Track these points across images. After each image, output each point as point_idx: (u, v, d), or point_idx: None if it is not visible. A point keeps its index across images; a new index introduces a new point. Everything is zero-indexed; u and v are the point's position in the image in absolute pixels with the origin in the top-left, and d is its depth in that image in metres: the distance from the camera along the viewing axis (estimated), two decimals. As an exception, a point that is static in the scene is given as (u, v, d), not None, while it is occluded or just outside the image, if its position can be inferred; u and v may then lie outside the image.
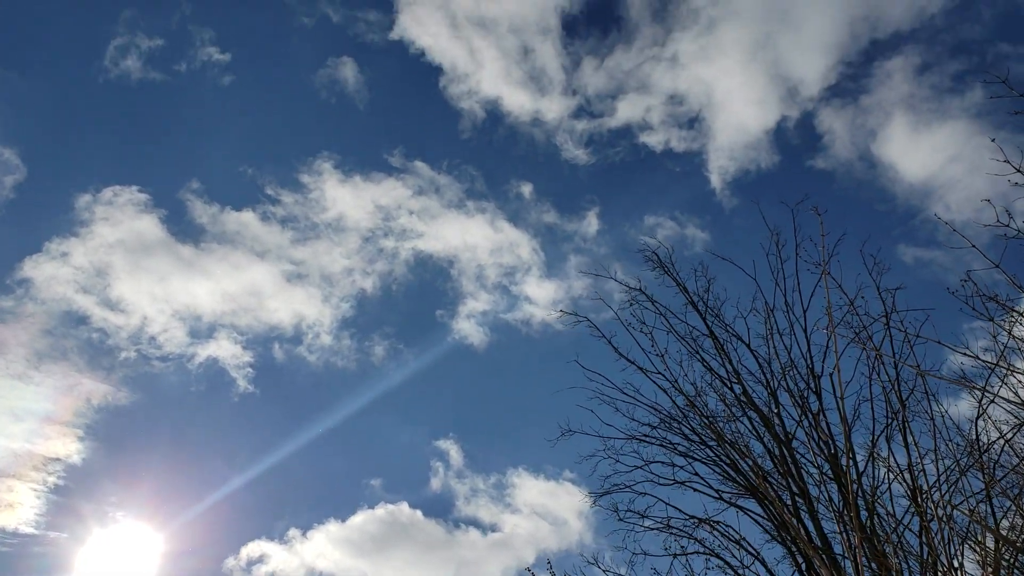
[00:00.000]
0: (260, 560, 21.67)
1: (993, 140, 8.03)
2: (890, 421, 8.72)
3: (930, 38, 27.02)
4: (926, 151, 26.31)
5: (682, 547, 9.26)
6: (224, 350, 27.23)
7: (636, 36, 29.43)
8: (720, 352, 9.59)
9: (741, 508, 9.25)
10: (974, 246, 7.63)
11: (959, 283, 8.15)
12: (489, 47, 29.50)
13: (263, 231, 29.06)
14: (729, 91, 28.69)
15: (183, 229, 28.61)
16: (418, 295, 30.66)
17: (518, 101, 30.00)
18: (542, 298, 29.12)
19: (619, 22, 30.01)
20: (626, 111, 29.48)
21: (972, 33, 26.65)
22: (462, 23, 29.18)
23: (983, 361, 7.48)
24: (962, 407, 11.97)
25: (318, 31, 30.05)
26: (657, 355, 9.82)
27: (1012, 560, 7.56)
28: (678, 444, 9.71)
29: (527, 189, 30.27)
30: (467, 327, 28.87)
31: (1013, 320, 7.83)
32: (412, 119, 32.98)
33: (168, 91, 28.66)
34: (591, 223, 29.81)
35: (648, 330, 9.98)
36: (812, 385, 9.14)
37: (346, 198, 29.77)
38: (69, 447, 24.37)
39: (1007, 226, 7.69)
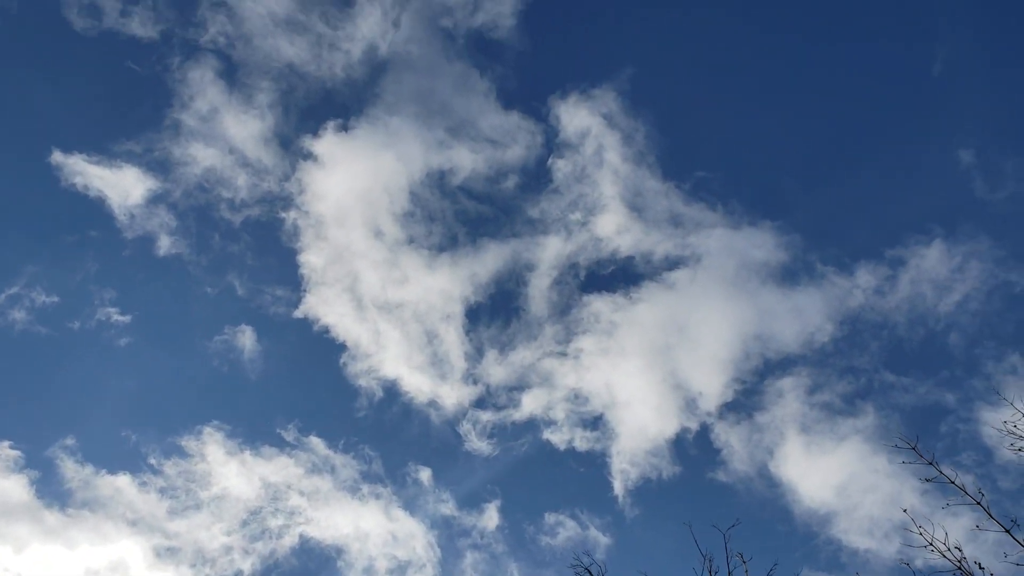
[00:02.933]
0: None
1: (905, 511, 8.91)
2: None
3: (820, 361, 29.49)
4: (822, 473, 27.38)
5: None
6: (75, 636, 23.84)
7: (538, 332, 31.09)
8: None
9: None
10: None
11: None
12: (393, 330, 30.44)
13: (138, 499, 27.40)
14: (631, 396, 29.99)
15: (52, 491, 26.85)
16: (299, 585, 27.91)
17: (417, 384, 30.40)
18: (435, 601, 26.59)
19: (521, 316, 31.72)
20: (530, 405, 30.15)
21: (860, 362, 29.33)
22: (368, 306, 30.35)
23: None
24: None
25: (221, 299, 30.71)
26: None
27: None
28: None
29: (426, 475, 29.55)
30: (349, 628, 26.24)
31: None
32: (309, 393, 32.93)
33: (56, 347, 28.61)
34: (491, 517, 28.95)
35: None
36: None
37: (232, 472, 28.51)
38: None
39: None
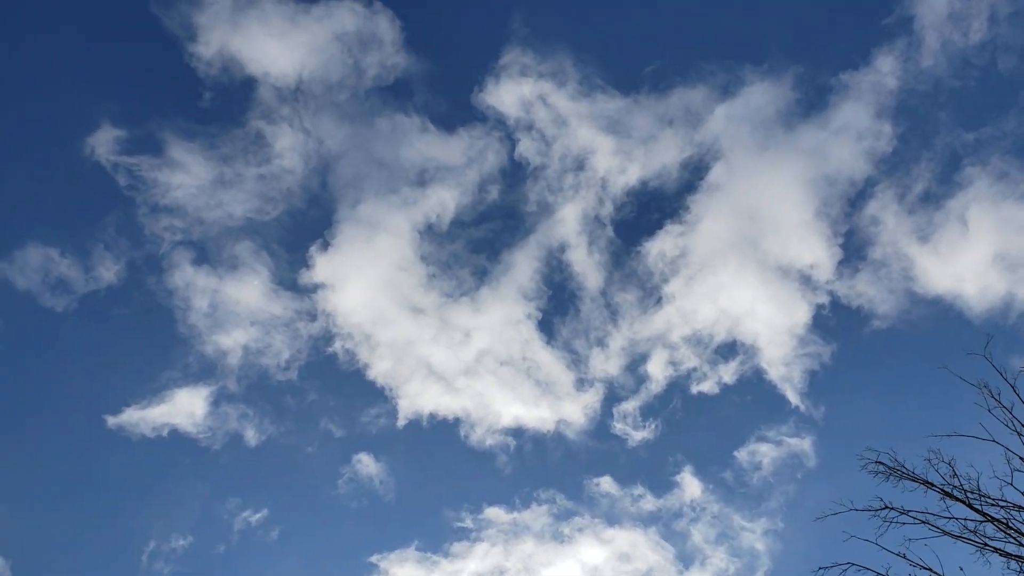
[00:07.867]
0: None
1: None
2: None
3: (897, 164, 27.19)
4: (971, 260, 25.63)
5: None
6: None
7: (619, 300, 29.75)
8: None
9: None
10: None
11: None
12: (486, 384, 29.88)
13: None
14: (748, 306, 28.85)
15: None
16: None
17: (539, 414, 29.66)
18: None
19: (584, 295, 30.42)
20: (659, 371, 29.29)
21: (937, 139, 26.73)
22: (451, 377, 29.79)
23: None
24: None
25: (325, 449, 30.06)
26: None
27: None
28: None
29: (607, 483, 28.55)
30: None
31: None
32: (452, 478, 31.68)
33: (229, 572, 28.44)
34: (689, 484, 28.03)
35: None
36: None
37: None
38: None
39: None
